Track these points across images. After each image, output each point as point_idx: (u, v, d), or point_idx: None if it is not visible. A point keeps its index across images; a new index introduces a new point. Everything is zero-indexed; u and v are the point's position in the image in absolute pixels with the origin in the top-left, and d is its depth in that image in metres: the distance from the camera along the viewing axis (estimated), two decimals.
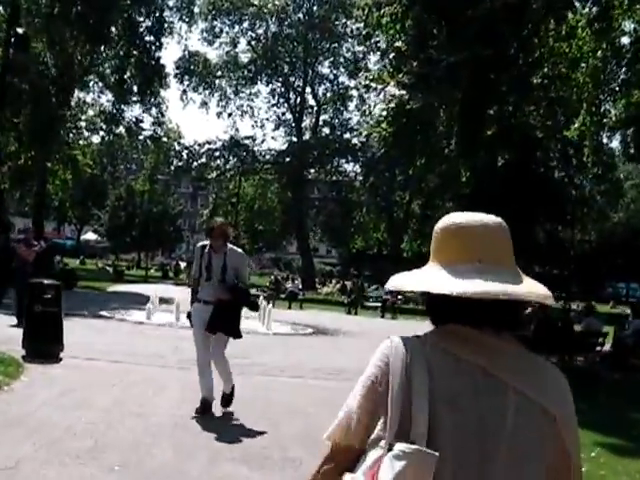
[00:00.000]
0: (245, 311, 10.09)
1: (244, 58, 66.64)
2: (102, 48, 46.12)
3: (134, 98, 51.11)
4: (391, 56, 22.08)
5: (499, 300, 2.03)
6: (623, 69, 21.44)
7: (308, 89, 68.41)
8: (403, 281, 2.23)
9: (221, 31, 65.88)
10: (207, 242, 9.81)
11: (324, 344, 21.47)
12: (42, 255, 21.46)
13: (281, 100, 68.39)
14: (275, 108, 68.57)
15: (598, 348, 18.47)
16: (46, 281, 13.91)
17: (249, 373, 13.32)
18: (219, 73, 66.47)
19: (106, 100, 53.35)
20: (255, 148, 66.98)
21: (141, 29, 47.60)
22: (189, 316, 9.92)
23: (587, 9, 20.54)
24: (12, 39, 30.67)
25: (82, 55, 45.10)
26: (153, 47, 47.70)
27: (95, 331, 18.92)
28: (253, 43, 65.87)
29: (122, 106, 51.86)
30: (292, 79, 68.11)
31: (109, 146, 60.90)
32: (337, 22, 63.65)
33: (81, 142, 54.84)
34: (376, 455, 2.08)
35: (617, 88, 22.14)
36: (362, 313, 37.91)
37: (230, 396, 9.87)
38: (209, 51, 64.74)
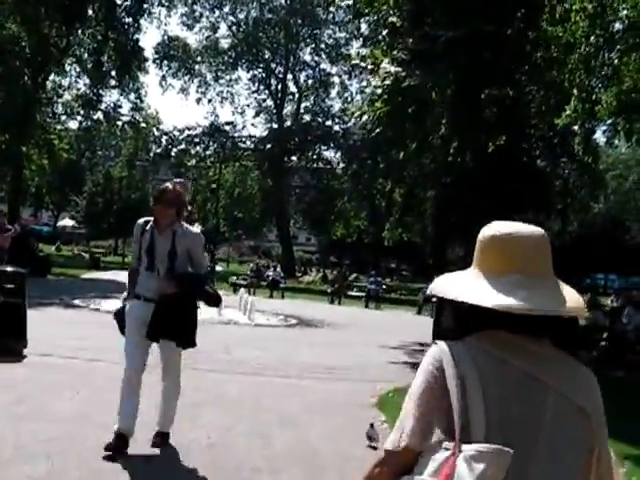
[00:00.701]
0: (225, 299, 8.88)
1: (224, 43, 65.99)
2: (79, 29, 45.15)
3: (112, 82, 50.43)
4: (384, 32, 21.21)
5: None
6: (616, 56, 20.88)
7: (289, 75, 67.90)
8: (448, 288, 2.31)
9: (201, 15, 65.32)
10: (150, 218, 7.14)
11: (310, 337, 20.57)
12: (18, 241, 20.80)
13: (262, 86, 67.87)
14: (256, 94, 68.15)
15: (602, 343, 17.78)
16: (9, 268, 12.65)
17: (231, 372, 12.54)
18: (199, 58, 65.79)
19: (83, 84, 52.55)
20: (235, 134, 66.50)
21: (119, 10, 46.47)
22: (118, 316, 7.24)
23: None
24: None
25: (58, 36, 44.06)
26: (131, 29, 46.78)
27: (65, 323, 17.90)
28: (234, 28, 65.19)
29: (100, 91, 50.88)
30: (273, 65, 67.55)
31: (87, 131, 59.96)
32: (319, 8, 62.92)
33: (58, 127, 53.97)
34: (442, 457, 2.11)
35: (609, 75, 21.58)
36: (345, 303, 37.09)
37: (166, 437, 7.30)
38: (189, 36, 64.42)
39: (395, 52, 19.85)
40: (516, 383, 2.17)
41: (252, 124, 68.95)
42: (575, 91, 21.98)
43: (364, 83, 52.19)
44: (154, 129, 67.59)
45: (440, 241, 36.43)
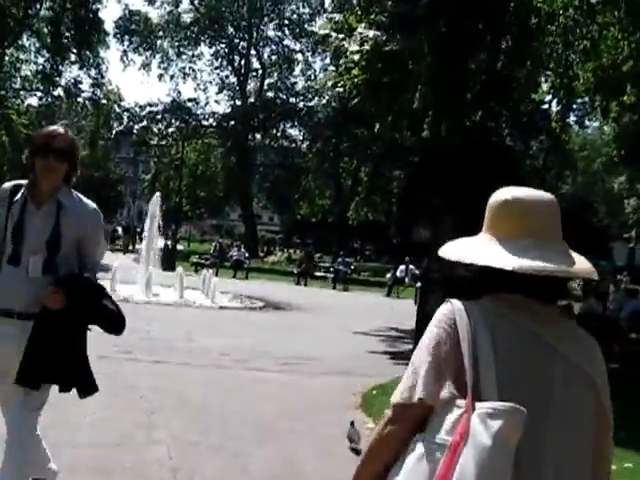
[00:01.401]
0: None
1: (187, 18, 64.35)
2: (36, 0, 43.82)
3: (73, 58, 49.13)
4: None
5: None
6: (595, 30, 20.21)
7: (253, 51, 66.74)
8: (462, 253, 2.33)
9: None
10: (21, 182, 4.63)
11: (278, 322, 19.74)
12: None
13: (225, 62, 66.60)
14: (219, 71, 66.85)
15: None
16: None
17: (196, 364, 11.60)
18: (161, 33, 64.34)
19: (43, 60, 51.17)
20: (198, 112, 65.36)
21: None
22: None
23: None
24: None
25: (14, 5, 42.71)
26: (90, 0, 45.38)
27: None
28: (196, 2, 63.71)
29: (60, 67, 49.60)
30: (236, 41, 66.31)
31: (47, 108, 58.62)
32: None
33: (17, 102, 52.73)
34: (455, 414, 2.09)
35: (587, 50, 20.92)
36: (312, 284, 36.00)
37: None
38: (150, 10, 63.00)
39: (372, 16, 18.70)
40: (527, 347, 2.19)
41: (215, 101, 68.47)
42: (552, 64, 21.38)
43: (327, 60, 51.54)
44: (115, 106, 66.25)
45: (406, 221, 35.88)
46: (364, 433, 7.10)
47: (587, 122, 50.91)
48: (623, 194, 64.45)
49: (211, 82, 67.33)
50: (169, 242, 38.76)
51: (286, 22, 65.61)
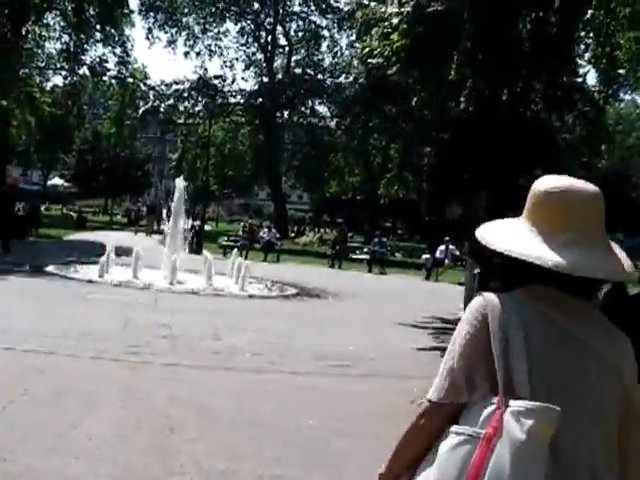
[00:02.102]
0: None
1: None
2: None
3: (98, 36, 48.58)
4: None
5: None
6: None
7: (279, 28, 65.63)
8: (500, 241, 2.27)
9: None
10: None
11: (314, 312, 18.29)
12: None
13: (251, 39, 65.60)
14: (245, 47, 65.87)
15: None
16: None
17: (220, 367, 10.22)
18: (186, 10, 63.33)
19: (68, 38, 50.44)
20: (225, 89, 64.40)
21: None
22: None
23: None
24: None
25: None
26: None
27: (28, 296, 15.53)
28: None
29: (85, 45, 48.96)
30: (262, 17, 65.18)
31: (73, 87, 58.03)
32: None
33: (41, 80, 52.23)
34: (489, 410, 2.10)
35: (628, 16, 19.85)
36: (346, 267, 34.52)
37: None
38: None
39: None
40: (560, 342, 2.19)
41: (242, 78, 67.17)
42: (592, 34, 20.31)
43: (353, 37, 50.25)
44: (141, 84, 65.57)
45: (437, 200, 34.68)
46: None
47: (621, 95, 49.59)
48: None
49: (237, 59, 66.49)
50: (196, 223, 37.82)
51: None
